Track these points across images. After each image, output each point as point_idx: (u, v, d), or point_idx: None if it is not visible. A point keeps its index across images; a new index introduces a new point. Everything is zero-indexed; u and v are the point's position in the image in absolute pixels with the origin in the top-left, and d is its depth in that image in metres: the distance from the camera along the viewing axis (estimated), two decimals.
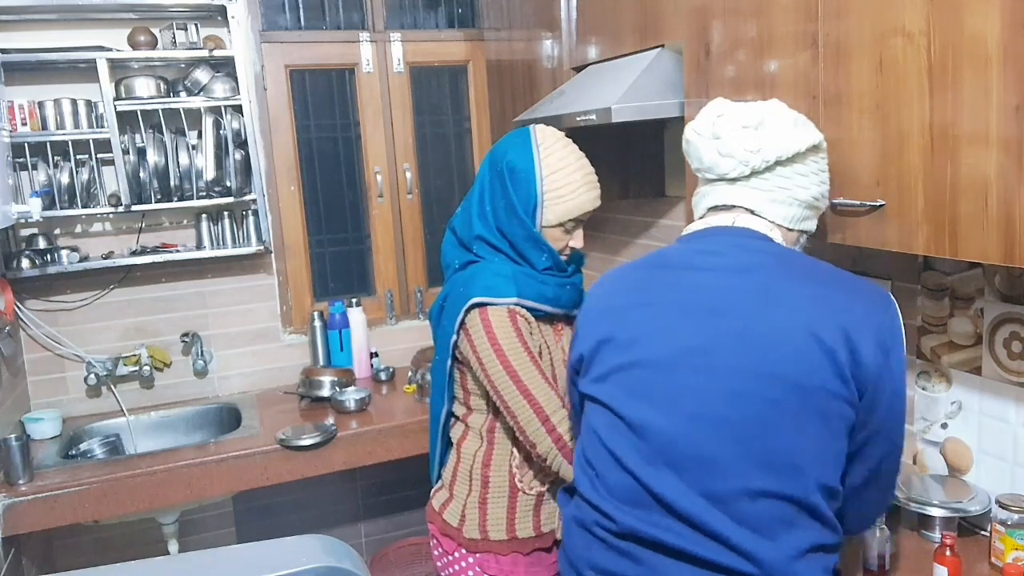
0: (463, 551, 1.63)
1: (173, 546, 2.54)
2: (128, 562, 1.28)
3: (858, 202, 1.27)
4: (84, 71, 2.48)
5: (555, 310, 1.61)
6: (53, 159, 2.48)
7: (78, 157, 2.50)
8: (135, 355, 2.67)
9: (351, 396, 2.54)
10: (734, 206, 1.20)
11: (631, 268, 1.26)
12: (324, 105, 2.96)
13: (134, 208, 2.52)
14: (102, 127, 2.48)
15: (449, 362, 1.61)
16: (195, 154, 2.58)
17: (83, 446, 2.50)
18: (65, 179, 2.48)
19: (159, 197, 2.57)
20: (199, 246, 2.70)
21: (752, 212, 1.19)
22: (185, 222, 2.75)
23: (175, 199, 2.59)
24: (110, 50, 2.49)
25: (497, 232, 1.59)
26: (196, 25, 2.60)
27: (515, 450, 1.61)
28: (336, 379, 2.63)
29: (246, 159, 2.66)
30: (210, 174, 2.58)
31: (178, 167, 2.57)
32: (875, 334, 1.03)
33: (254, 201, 2.69)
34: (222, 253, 2.69)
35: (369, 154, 3.00)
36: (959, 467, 1.57)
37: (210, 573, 1.18)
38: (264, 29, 2.80)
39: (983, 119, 1.06)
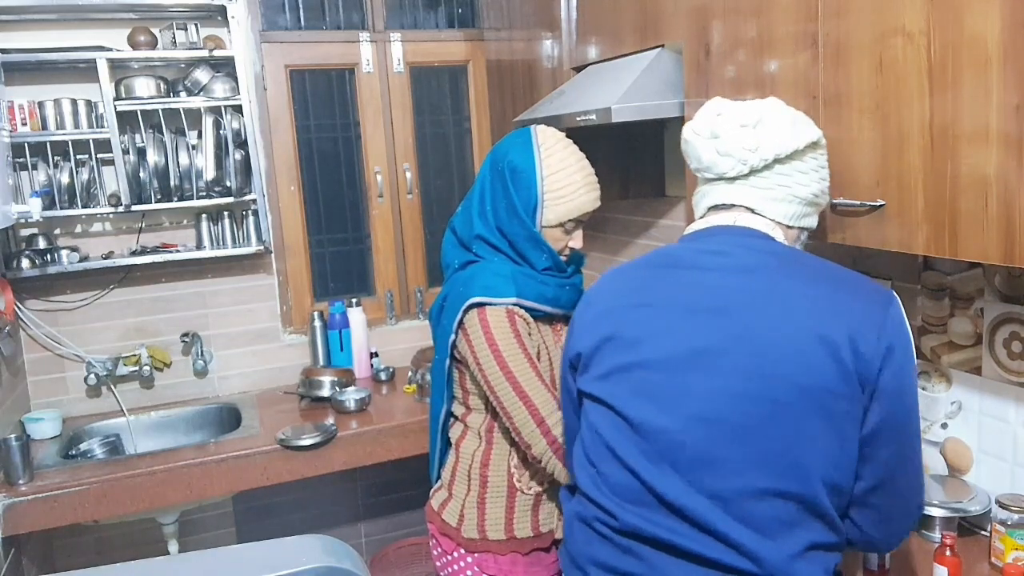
0: (462, 551, 1.63)
1: (173, 546, 2.54)
2: (128, 562, 1.28)
3: (858, 202, 1.27)
4: (84, 71, 2.48)
5: (554, 310, 1.61)
6: (53, 159, 2.49)
7: (78, 157, 2.51)
8: (135, 355, 2.68)
9: (351, 396, 2.54)
10: (734, 205, 1.20)
11: (634, 267, 1.26)
12: (324, 105, 2.96)
13: (134, 208, 2.53)
14: (102, 127, 2.48)
15: (448, 362, 1.62)
16: (195, 154, 2.58)
17: (83, 446, 2.50)
18: (65, 179, 2.48)
19: (159, 197, 2.57)
20: (199, 246, 2.70)
21: (752, 211, 1.19)
22: (185, 222, 2.75)
23: (175, 199, 2.59)
24: (110, 50, 2.49)
25: (497, 232, 1.59)
26: (196, 25, 2.60)
27: (513, 450, 1.61)
28: (336, 379, 2.63)
29: (246, 159, 2.66)
30: (210, 174, 2.58)
31: (178, 167, 2.57)
32: (878, 332, 1.03)
33: (254, 201, 2.69)
34: (222, 253, 2.69)
35: (369, 154, 3.00)
36: (959, 467, 1.57)
37: (210, 573, 1.18)
38: (264, 29, 2.80)
39: (983, 119, 1.06)
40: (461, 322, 1.55)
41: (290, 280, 2.92)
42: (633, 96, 1.72)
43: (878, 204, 1.24)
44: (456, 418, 1.70)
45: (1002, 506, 1.34)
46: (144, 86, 2.54)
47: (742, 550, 1.04)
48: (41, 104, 2.45)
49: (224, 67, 2.64)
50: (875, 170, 1.25)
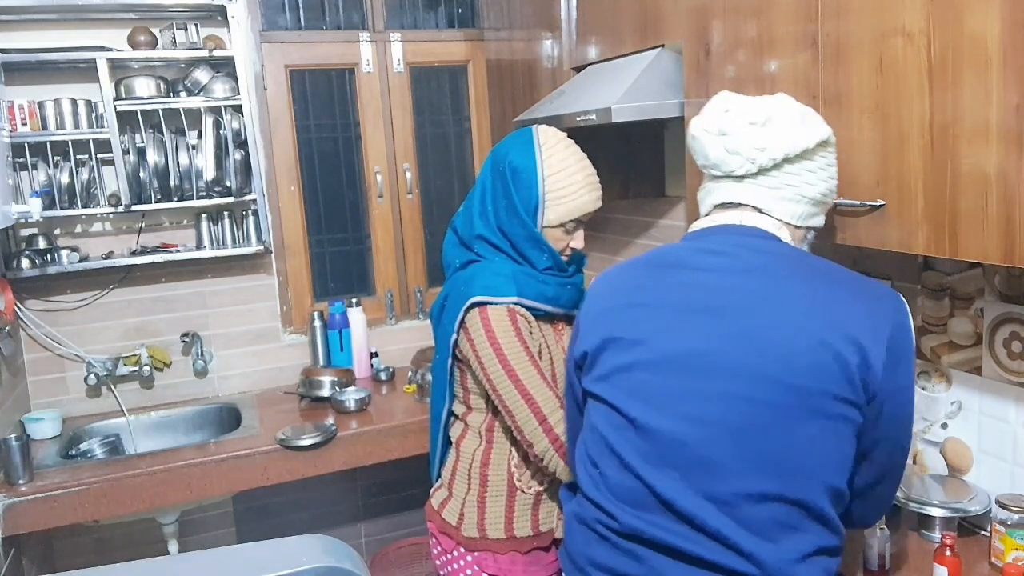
0: (461, 549, 1.63)
1: (173, 546, 2.54)
2: (128, 562, 1.28)
3: (858, 202, 1.27)
4: (84, 71, 2.48)
5: (555, 310, 1.61)
6: (53, 159, 2.48)
7: (78, 157, 2.50)
8: (135, 355, 2.67)
9: (351, 396, 2.54)
10: (741, 204, 1.18)
11: (635, 266, 1.25)
12: (324, 105, 2.96)
13: (134, 208, 2.52)
14: (102, 127, 2.48)
15: (449, 361, 1.62)
16: (195, 154, 2.58)
17: (83, 446, 2.50)
18: (65, 179, 2.48)
19: (159, 197, 2.57)
20: (199, 246, 2.70)
21: (759, 210, 1.17)
22: (185, 222, 2.75)
23: (175, 199, 2.59)
24: (110, 50, 2.49)
25: (498, 232, 1.59)
26: (196, 25, 2.60)
27: (514, 449, 1.61)
28: (336, 379, 2.63)
29: (246, 159, 2.66)
30: (210, 174, 2.58)
31: (178, 167, 2.57)
32: (885, 337, 1.02)
33: (254, 201, 2.69)
34: (222, 253, 2.69)
35: (369, 154, 3.00)
36: (959, 467, 1.57)
37: (210, 573, 1.18)
38: (264, 29, 2.80)
39: (983, 119, 1.06)
40: (463, 321, 1.55)
41: (290, 280, 2.92)
42: (633, 96, 1.72)
43: (878, 204, 1.24)
44: (457, 417, 1.70)
45: (1002, 506, 1.34)
46: (144, 86, 2.54)
47: (742, 553, 1.03)
48: (41, 104, 2.45)
49: (224, 67, 2.64)
50: (875, 170, 1.25)
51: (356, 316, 2.86)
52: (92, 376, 2.62)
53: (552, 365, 1.60)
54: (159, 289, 2.73)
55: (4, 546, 2.06)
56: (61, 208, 2.47)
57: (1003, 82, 1.02)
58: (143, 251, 2.65)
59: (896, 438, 1.09)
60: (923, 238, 1.18)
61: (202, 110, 2.58)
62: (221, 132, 2.60)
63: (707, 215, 1.23)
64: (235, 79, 2.61)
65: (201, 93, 2.61)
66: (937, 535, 1.44)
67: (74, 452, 2.45)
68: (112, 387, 2.67)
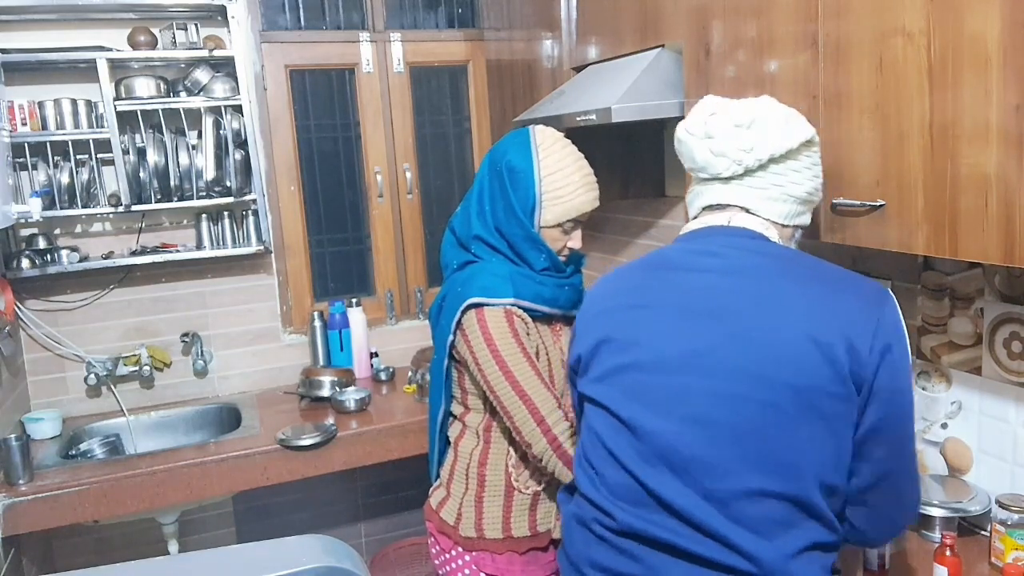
0: (459, 549, 1.63)
1: (173, 546, 2.54)
2: (128, 562, 1.28)
3: (858, 202, 1.27)
4: (84, 71, 2.48)
5: (552, 311, 1.61)
6: (53, 159, 2.48)
7: (78, 157, 2.50)
8: (135, 355, 2.68)
9: (351, 396, 2.55)
10: (729, 205, 1.20)
11: (629, 269, 1.26)
12: (324, 105, 2.96)
13: (134, 208, 2.53)
14: (102, 127, 2.48)
15: (447, 362, 1.62)
16: (195, 154, 2.58)
17: (83, 446, 2.50)
18: (65, 179, 2.48)
19: (159, 197, 2.57)
20: (199, 246, 2.70)
21: (747, 210, 1.19)
22: (185, 222, 2.75)
23: (175, 199, 2.59)
24: (110, 50, 2.49)
25: (495, 232, 1.59)
26: (196, 25, 2.60)
27: (511, 449, 1.61)
28: (336, 379, 2.63)
29: (246, 159, 2.66)
30: (210, 174, 2.58)
31: (178, 167, 2.57)
32: (873, 331, 1.03)
33: (254, 201, 2.69)
34: (222, 253, 2.69)
35: (369, 154, 3.00)
36: (959, 467, 1.57)
37: (210, 573, 1.18)
38: (264, 29, 2.80)
39: (983, 119, 1.06)
40: (459, 322, 1.55)
41: (290, 280, 2.92)
42: (633, 96, 1.72)
43: (878, 204, 1.24)
44: (455, 417, 1.70)
45: (1002, 506, 1.34)
46: (144, 86, 2.54)
47: (739, 550, 1.04)
48: (41, 104, 2.45)
49: (224, 67, 2.64)
50: (875, 170, 1.25)
51: (356, 316, 2.86)
52: (92, 376, 2.62)
53: (550, 366, 1.60)
54: (159, 289, 2.73)
55: (4, 546, 2.06)
56: (61, 208, 2.48)
57: (1003, 82, 1.02)
58: (143, 251, 2.65)
59: (892, 437, 1.08)
60: (923, 238, 1.18)
61: (202, 110, 2.58)
62: (221, 132, 2.60)
63: (696, 217, 1.25)
64: (235, 79, 2.61)
65: (201, 93, 2.61)
66: (937, 535, 1.44)
67: (74, 452, 2.45)
68: (112, 387, 2.67)
